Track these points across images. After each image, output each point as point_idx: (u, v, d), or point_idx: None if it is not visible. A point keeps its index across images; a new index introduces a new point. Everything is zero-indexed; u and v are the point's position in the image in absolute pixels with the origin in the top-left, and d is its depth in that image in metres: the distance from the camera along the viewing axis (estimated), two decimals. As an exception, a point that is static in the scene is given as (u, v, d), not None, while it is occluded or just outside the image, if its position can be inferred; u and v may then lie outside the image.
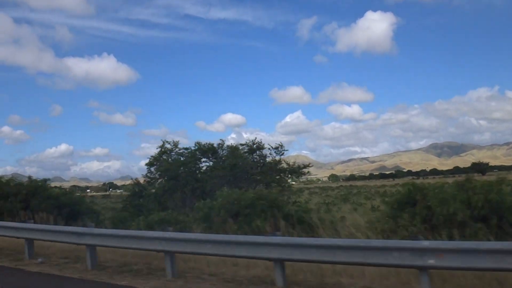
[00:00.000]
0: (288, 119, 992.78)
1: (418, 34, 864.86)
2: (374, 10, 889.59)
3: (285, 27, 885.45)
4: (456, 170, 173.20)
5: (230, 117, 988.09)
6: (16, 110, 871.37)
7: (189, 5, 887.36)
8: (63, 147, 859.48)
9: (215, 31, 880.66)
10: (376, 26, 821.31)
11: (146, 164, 23.50)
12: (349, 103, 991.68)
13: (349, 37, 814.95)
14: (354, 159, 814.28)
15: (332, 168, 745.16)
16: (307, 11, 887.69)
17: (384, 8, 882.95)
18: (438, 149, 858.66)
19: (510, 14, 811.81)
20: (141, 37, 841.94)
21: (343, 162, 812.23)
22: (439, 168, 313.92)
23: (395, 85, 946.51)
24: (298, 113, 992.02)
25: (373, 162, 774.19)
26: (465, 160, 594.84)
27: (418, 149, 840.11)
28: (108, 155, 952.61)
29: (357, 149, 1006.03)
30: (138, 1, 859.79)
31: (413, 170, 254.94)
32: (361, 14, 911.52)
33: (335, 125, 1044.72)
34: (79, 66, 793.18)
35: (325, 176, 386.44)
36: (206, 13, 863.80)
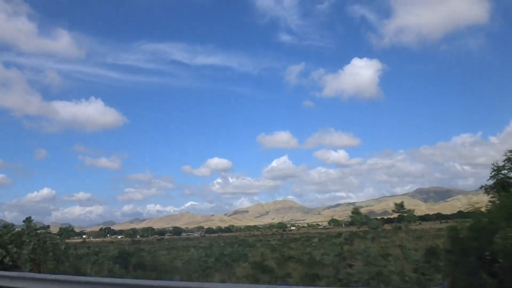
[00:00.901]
0: (274, 163, 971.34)
1: (403, 80, 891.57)
2: (360, 57, 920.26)
3: (270, 74, 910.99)
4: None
5: (217, 162, 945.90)
6: None
7: (175, 51, 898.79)
8: (45, 191, 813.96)
9: (200, 77, 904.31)
10: (362, 72, 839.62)
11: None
12: (335, 148, 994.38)
13: (336, 83, 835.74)
14: (341, 204, 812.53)
15: (319, 214, 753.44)
16: (294, 58, 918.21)
17: (370, 55, 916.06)
18: (424, 194, 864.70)
19: (491, 62, 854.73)
20: (128, 82, 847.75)
21: (330, 207, 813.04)
22: (428, 213, 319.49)
23: (381, 131, 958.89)
24: (284, 158, 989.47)
25: (360, 207, 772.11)
26: (452, 205, 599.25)
27: (404, 194, 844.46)
28: (90, 199, 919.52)
29: (343, 194, 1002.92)
30: (125, 47, 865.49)
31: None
32: (347, 61, 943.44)
33: (321, 170, 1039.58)
34: (66, 110, 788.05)
35: (316, 222, 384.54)
36: (192, 59, 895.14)
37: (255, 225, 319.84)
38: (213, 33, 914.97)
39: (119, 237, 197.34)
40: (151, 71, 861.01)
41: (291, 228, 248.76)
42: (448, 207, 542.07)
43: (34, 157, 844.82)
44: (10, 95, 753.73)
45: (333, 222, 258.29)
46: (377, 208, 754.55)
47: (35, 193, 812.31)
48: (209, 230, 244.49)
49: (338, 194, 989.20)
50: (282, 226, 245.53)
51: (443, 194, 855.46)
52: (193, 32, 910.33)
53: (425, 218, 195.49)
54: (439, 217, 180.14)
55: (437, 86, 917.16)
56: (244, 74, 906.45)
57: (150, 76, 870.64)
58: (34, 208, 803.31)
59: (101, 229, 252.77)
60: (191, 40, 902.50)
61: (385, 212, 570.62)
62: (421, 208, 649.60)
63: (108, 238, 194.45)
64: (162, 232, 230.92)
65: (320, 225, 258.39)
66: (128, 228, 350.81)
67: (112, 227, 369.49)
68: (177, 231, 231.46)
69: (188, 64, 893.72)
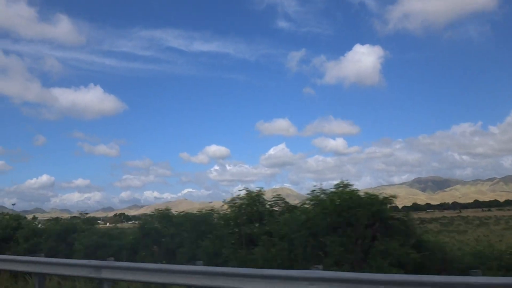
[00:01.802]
0: (272, 151, 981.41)
1: (405, 67, 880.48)
2: (362, 44, 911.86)
3: (268, 60, 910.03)
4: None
5: (214, 149, 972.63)
6: None
7: (171, 38, 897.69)
8: (44, 178, 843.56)
9: (197, 64, 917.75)
10: (363, 59, 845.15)
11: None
12: (334, 136, 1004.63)
13: (337, 70, 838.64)
14: None
15: None
16: (293, 44, 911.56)
17: (373, 42, 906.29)
18: (421, 184, 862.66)
19: (494, 51, 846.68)
20: (125, 69, 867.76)
21: None
22: (429, 202, 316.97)
23: (381, 119, 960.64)
24: (282, 146, 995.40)
25: None
26: (451, 195, 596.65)
27: (402, 183, 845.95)
28: (89, 186, 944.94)
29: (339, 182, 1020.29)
30: (121, 33, 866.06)
31: (400, 205, 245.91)
32: (349, 47, 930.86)
33: (319, 158, 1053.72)
34: (65, 97, 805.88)
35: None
36: (188, 46, 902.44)
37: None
38: (209, 19, 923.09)
39: (136, 222, 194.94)
40: (147, 58, 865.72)
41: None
42: (447, 197, 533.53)
43: (33, 143, 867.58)
44: (9, 81, 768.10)
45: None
46: None
47: (34, 179, 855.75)
48: None
49: (335, 182, 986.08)
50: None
51: (441, 184, 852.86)
52: (189, 18, 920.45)
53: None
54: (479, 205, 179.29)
55: (438, 74, 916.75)
56: (241, 60, 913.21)
57: (147, 63, 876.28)
58: (33, 195, 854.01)
59: (115, 215, 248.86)
60: (188, 27, 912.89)
61: None
62: (420, 197, 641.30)
63: (126, 224, 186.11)
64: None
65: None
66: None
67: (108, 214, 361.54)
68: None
69: (184, 51, 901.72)
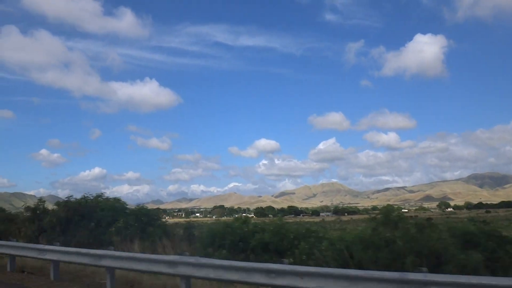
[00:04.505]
0: (321, 146, 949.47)
1: (469, 57, 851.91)
2: (424, 33, 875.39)
3: (315, 54, 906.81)
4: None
5: (264, 143, 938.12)
6: (56, 133, 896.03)
7: (218, 33, 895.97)
8: (96, 170, 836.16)
9: (243, 58, 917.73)
10: (425, 49, 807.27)
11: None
12: (388, 130, 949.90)
13: (397, 61, 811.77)
14: (391, 188, 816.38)
15: (368, 197, 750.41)
16: (342, 37, 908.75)
17: (435, 31, 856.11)
18: (478, 180, 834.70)
19: None
20: (174, 64, 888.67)
21: (378, 191, 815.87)
22: (490, 200, 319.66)
23: (439, 112, 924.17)
24: (332, 140, 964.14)
25: (411, 192, 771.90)
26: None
27: (457, 179, 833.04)
28: (139, 179, 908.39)
29: (389, 178, 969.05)
30: (168, 30, 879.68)
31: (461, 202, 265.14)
32: (410, 37, 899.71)
33: (370, 153, 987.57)
34: (123, 90, 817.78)
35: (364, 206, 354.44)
36: (234, 41, 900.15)
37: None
38: (255, 13, 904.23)
39: (213, 217, 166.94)
40: (194, 53, 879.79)
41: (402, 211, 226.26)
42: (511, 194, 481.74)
43: (89, 137, 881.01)
44: (71, 75, 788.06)
45: (444, 204, 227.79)
46: (432, 193, 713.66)
47: (87, 171, 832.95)
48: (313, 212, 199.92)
49: (384, 178, 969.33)
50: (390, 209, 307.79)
51: (499, 180, 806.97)
52: (235, 13, 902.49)
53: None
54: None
55: (505, 65, 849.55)
56: (287, 55, 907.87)
57: (194, 58, 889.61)
58: (85, 186, 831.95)
59: (214, 207, 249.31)
60: (234, 21, 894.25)
61: (445, 197, 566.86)
62: (483, 194, 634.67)
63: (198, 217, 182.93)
64: (295, 211, 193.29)
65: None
66: (176, 207, 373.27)
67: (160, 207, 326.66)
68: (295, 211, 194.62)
69: (230, 45, 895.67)
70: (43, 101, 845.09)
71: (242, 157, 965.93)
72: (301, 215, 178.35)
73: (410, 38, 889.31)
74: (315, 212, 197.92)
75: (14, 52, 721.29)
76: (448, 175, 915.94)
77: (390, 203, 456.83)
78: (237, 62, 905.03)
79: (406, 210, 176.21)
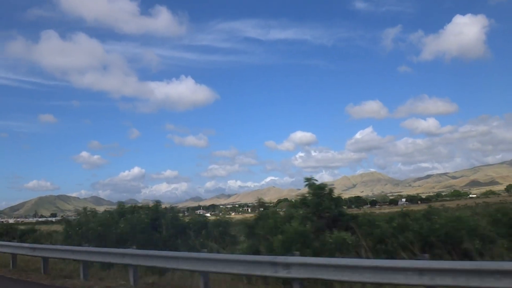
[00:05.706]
0: (358, 135, 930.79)
1: None
2: (463, 14, 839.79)
3: (348, 44, 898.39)
4: None
5: (300, 136, 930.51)
6: (96, 135, 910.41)
7: (248, 28, 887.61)
8: (135, 170, 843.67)
9: (275, 52, 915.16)
10: (465, 30, 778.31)
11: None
12: (426, 117, 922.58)
13: (436, 45, 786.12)
14: (432, 175, 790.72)
15: (409, 185, 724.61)
16: (377, 24, 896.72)
17: (475, 11, 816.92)
18: None
19: None
20: (206, 62, 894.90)
21: (419, 178, 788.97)
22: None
23: (481, 95, 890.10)
24: (369, 129, 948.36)
25: (453, 177, 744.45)
26: None
27: (501, 163, 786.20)
28: (177, 177, 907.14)
29: (428, 165, 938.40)
30: (200, 27, 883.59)
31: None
32: (449, 19, 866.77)
33: (408, 141, 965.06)
34: (159, 90, 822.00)
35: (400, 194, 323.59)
36: (265, 35, 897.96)
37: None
38: (285, 6, 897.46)
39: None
40: (226, 50, 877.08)
41: (469, 195, 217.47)
42: None
43: (128, 137, 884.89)
44: (108, 77, 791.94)
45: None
46: (477, 177, 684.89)
47: (126, 172, 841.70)
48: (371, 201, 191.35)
49: (423, 165, 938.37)
50: (457, 194, 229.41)
51: None
52: (265, 6, 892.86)
53: None
54: None
55: None
56: (319, 46, 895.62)
57: (226, 55, 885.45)
58: (125, 186, 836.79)
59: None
60: (264, 15, 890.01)
61: (493, 182, 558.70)
62: None
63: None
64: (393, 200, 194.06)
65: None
66: (214, 203, 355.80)
67: (200, 203, 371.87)
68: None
69: (261, 40, 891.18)
70: (82, 103, 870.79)
71: (278, 151, 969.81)
72: (376, 205, 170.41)
73: (449, 20, 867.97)
74: (393, 201, 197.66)
75: (54, 56, 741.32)
76: (490, 159, 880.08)
77: (435, 190, 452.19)
78: (269, 56, 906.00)
79: (474, 195, 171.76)
